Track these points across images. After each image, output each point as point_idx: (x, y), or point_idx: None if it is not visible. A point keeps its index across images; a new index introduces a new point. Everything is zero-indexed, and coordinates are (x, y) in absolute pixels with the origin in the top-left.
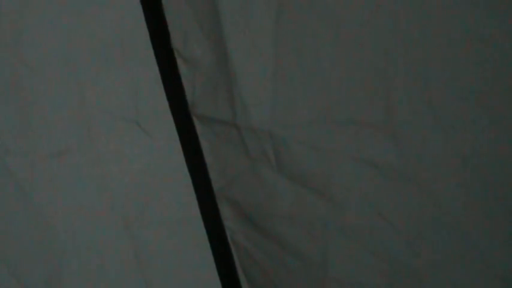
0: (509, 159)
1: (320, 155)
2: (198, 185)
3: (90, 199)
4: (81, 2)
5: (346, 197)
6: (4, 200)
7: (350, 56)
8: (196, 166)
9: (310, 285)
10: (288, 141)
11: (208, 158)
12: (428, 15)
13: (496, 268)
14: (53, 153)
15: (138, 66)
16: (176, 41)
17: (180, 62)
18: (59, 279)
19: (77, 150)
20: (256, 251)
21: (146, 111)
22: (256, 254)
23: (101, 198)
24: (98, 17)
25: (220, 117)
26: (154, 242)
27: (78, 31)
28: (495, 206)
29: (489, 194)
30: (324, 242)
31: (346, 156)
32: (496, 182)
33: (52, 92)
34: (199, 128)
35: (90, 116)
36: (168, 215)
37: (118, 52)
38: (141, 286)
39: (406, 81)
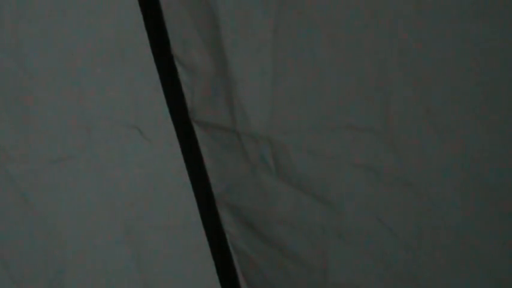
0: (507, 164)
1: (319, 161)
2: (198, 190)
3: (90, 205)
4: (81, 8)
5: (345, 202)
6: (5, 206)
7: (348, 63)
8: (196, 171)
9: None
10: (287, 146)
11: (208, 164)
12: (425, 20)
13: (495, 271)
14: (53, 159)
15: (139, 72)
16: (176, 48)
17: (180, 69)
18: (61, 285)
19: (77, 156)
20: (256, 255)
21: (146, 117)
22: (256, 259)
23: (101, 204)
24: (99, 24)
25: (219, 123)
26: (155, 247)
27: (79, 38)
28: (493, 209)
29: (487, 198)
30: (323, 246)
31: (344, 162)
32: (494, 186)
33: (52, 98)
34: (199, 133)
35: (91, 122)
36: (168, 220)
37: (118, 59)
38: None
39: (403, 86)
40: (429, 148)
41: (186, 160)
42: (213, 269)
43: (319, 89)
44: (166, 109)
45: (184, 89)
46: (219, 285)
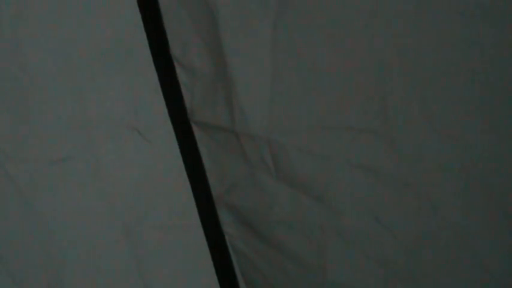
0: (506, 164)
1: (318, 161)
2: (197, 190)
3: (90, 205)
4: (81, 10)
5: (344, 202)
6: (4, 207)
7: (347, 63)
8: (195, 172)
9: None
10: (286, 147)
11: (207, 164)
12: (423, 21)
13: (494, 272)
14: (53, 160)
15: (138, 74)
16: (175, 49)
17: (179, 70)
18: (61, 285)
19: (77, 157)
20: (255, 256)
21: (146, 118)
22: (255, 259)
23: (101, 205)
24: (98, 26)
25: (218, 124)
26: (154, 247)
27: (78, 39)
28: (493, 211)
29: (486, 199)
30: (322, 246)
31: (343, 162)
32: (493, 186)
33: (52, 98)
34: (198, 134)
35: (90, 122)
36: (167, 220)
37: (118, 60)
38: None
39: (402, 87)
40: (429, 148)
41: (185, 161)
42: (212, 270)
43: (319, 89)
44: (165, 110)
45: (183, 90)
46: (218, 285)
